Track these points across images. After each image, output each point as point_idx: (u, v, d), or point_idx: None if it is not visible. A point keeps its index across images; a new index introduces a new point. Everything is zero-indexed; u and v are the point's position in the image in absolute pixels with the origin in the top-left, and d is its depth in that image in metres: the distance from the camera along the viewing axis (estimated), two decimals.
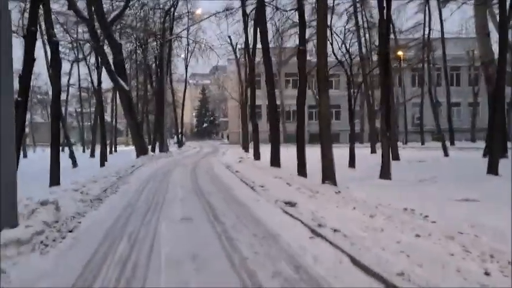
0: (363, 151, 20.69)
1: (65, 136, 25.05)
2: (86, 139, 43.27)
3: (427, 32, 26.44)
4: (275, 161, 14.92)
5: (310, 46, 21.18)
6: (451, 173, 12.49)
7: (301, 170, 11.87)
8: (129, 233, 5.57)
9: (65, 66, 29.36)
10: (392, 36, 21.15)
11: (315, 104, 36.96)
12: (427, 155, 20.59)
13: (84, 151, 37.71)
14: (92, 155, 30.34)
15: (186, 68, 37.71)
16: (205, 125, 71.33)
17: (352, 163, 14.76)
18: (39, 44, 18.09)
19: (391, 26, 13.78)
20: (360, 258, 3.92)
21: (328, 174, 9.38)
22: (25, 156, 31.63)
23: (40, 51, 21.95)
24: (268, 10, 18.65)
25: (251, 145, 25.68)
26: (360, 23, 23.02)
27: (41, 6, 10.74)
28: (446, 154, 20.22)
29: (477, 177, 11.11)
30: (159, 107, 29.43)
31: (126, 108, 22.27)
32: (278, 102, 19.61)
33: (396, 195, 8.34)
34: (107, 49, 22.23)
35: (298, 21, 17.30)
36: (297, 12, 16.54)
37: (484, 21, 16.30)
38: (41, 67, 25.95)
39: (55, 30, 14.20)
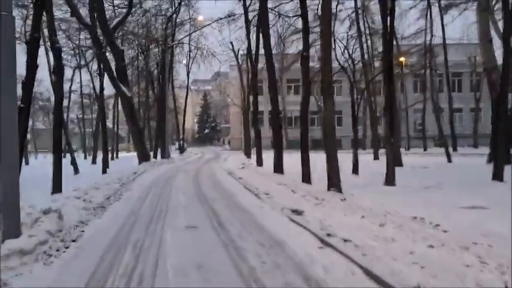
0: (365, 157, 20.60)
1: (67, 142, 24.98)
2: (87, 145, 43.22)
3: (428, 38, 26.43)
4: (278, 167, 14.81)
5: (312, 52, 21.15)
6: (456, 180, 12.39)
7: (305, 176, 11.76)
8: (134, 242, 5.46)
9: (67, 73, 29.38)
10: (394, 42, 21.11)
11: (316, 110, 37.01)
12: (430, 161, 20.49)
13: (85, 157, 37.63)
14: (94, 161, 30.25)
15: (188, 74, 37.78)
16: (206, 131, 71.34)
17: (355, 170, 14.66)
18: (41, 50, 18.06)
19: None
20: (373, 269, 3.82)
21: (334, 182, 9.27)
22: (27, 163, 31.49)
23: (42, 58, 22.00)
24: (271, 17, 18.68)
25: (253, 151, 25.62)
26: (362, 29, 22.98)
27: (43, 13, 10.72)
28: (449, 160, 20.12)
29: (482, 184, 11.01)
30: (160, 113, 29.40)
31: (128, 115, 22.21)
32: (280, 108, 19.54)
33: (402, 202, 8.24)
34: (109, 55, 22.24)
35: (300, 27, 17.33)
36: (299, 19, 16.60)
37: (487, 28, 16.26)
38: (42, 73, 25.99)
39: (57, 36, 14.16)
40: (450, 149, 21.79)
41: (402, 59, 24.53)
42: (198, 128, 73.48)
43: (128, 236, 5.83)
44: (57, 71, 11.65)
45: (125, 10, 22.58)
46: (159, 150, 30.05)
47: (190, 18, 32.64)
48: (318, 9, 19.13)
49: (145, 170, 17.61)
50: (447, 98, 28.35)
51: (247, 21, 21.66)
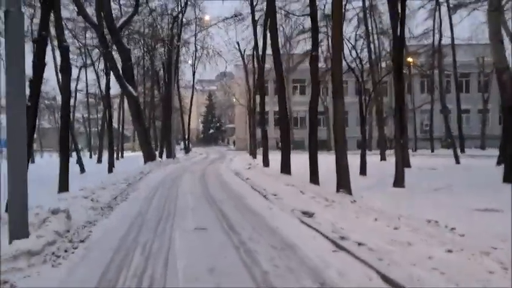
0: (372, 158, 20.40)
1: (73, 142, 24.98)
2: (92, 145, 43.28)
3: (437, 38, 26.18)
4: (285, 168, 14.67)
5: (319, 52, 21.00)
6: (466, 182, 12.22)
7: (313, 177, 11.63)
8: (143, 243, 5.36)
9: (73, 72, 29.29)
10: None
11: (323, 110, 36.85)
12: (438, 163, 20.30)
13: (91, 157, 37.69)
14: (99, 160, 30.30)
15: (194, 74, 37.69)
16: (211, 131, 71.32)
17: (363, 171, 14.52)
18: (47, 49, 18.05)
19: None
20: (391, 275, 3.69)
21: (343, 183, 9.15)
22: (33, 161, 31.57)
23: (48, 57, 21.94)
24: (277, 17, 18.53)
25: (258, 151, 25.51)
26: (370, 28, 22.81)
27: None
28: (457, 162, 19.91)
29: (493, 186, 10.85)
30: (166, 113, 29.35)
31: (134, 114, 22.16)
32: None
33: (413, 204, 8.12)
34: (115, 55, 22.20)
35: (307, 27, 17.17)
36: (307, 18, 16.47)
37: (498, 28, 16.00)
38: (48, 73, 25.96)
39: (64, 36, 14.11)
40: (458, 151, 21.54)
41: (410, 59, 24.26)
42: (203, 128, 73.46)
43: (137, 237, 5.74)
44: (64, 70, 11.59)
45: (131, 9, 22.56)
46: (164, 150, 30.01)
47: (196, 18, 32.58)
48: (324, 8, 19.14)
49: (151, 170, 17.55)
50: (455, 98, 28.11)
51: (254, 21, 21.56)
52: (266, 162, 19.12)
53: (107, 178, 13.96)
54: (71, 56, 13.60)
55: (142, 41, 29.62)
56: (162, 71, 32.93)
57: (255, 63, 23.38)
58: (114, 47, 21.67)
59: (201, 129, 74.55)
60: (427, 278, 3.52)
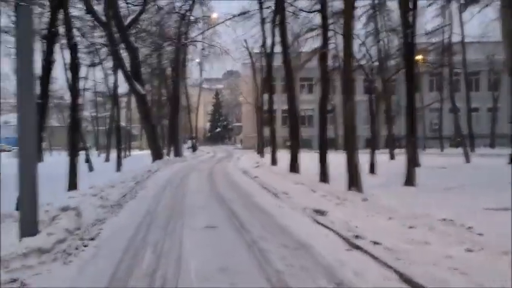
0: (380, 157, 20.18)
1: (82, 140, 25.04)
2: (100, 143, 43.42)
3: (446, 36, 25.85)
4: (294, 166, 14.57)
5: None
6: (477, 180, 12.01)
7: (323, 176, 11.53)
8: (153, 242, 5.29)
9: (81, 71, 29.45)
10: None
11: (330, 108, 36.59)
12: (447, 162, 20.05)
13: (99, 155, 37.84)
14: (107, 159, 30.37)
15: (201, 73, 37.68)
16: (218, 129, 71.29)
17: (372, 169, 14.39)
18: (56, 48, 18.10)
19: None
20: (410, 275, 3.58)
21: (354, 181, 9.03)
22: (42, 160, 31.78)
23: (57, 56, 22.01)
24: (286, 15, 18.38)
25: (266, 150, 25.41)
26: (379, 26, 22.55)
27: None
28: (467, 160, 19.66)
29: (505, 185, 10.63)
30: (173, 111, 29.34)
31: (142, 113, 22.17)
32: None
33: (426, 203, 7.96)
34: (123, 53, 22.19)
35: (316, 24, 17.02)
36: (316, 15, 16.30)
37: (511, 25, 15.77)
38: (56, 71, 26.09)
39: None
40: (468, 149, 21.26)
41: (420, 57, 23.96)
42: (210, 126, 73.47)
43: (146, 235, 5.68)
44: (73, 68, 11.58)
45: (138, 8, 22.53)
46: (172, 148, 30.00)
47: (204, 16, 32.48)
48: (331, 6, 18.95)
49: (159, 168, 17.54)
50: (464, 97, 27.79)
51: (263, 18, 21.43)
52: (274, 161, 19.03)
53: (116, 176, 13.95)
54: (79, 55, 13.63)
55: (149, 40, 29.59)
56: (169, 70, 32.92)
57: (263, 61, 23.27)
58: (122, 46, 21.67)
59: (208, 128, 74.56)
60: (448, 279, 3.41)
